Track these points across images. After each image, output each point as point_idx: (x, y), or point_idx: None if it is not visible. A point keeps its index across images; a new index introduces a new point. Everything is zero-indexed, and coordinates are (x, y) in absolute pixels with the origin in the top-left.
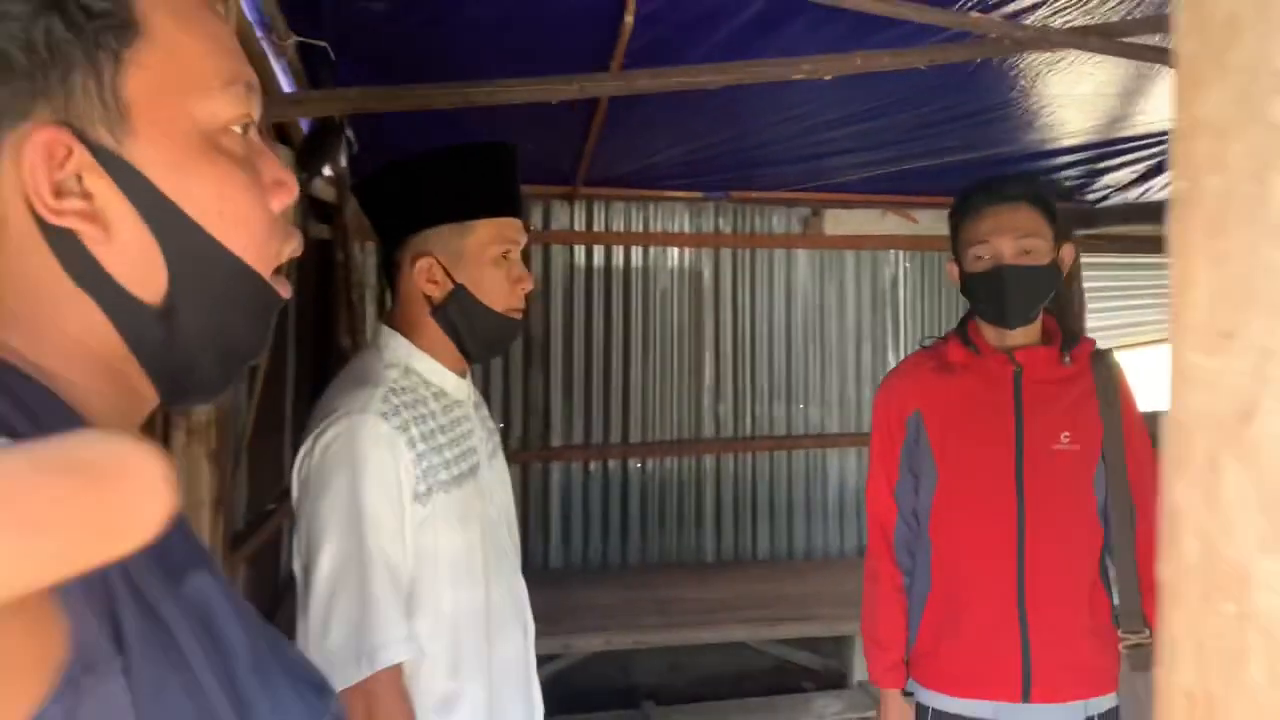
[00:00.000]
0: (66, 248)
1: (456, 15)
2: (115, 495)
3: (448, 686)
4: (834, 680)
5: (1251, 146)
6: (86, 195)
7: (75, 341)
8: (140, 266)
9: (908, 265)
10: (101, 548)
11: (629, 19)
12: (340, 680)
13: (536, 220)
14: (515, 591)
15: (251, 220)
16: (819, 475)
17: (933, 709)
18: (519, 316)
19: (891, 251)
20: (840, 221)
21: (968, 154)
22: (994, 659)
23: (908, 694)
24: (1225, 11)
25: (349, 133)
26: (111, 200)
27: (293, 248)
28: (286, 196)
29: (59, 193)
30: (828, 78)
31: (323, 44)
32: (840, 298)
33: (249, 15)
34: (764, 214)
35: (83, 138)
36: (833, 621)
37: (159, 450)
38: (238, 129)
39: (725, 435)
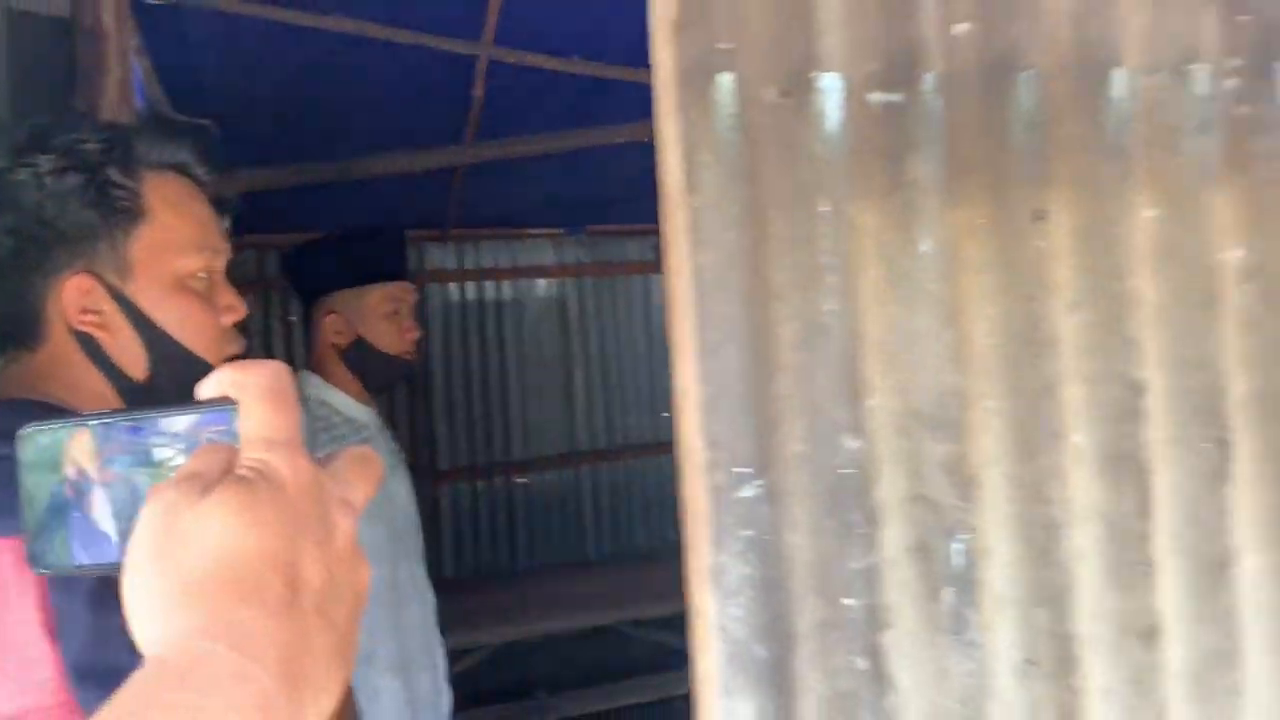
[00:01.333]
0: (86, 343)
1: (331, 94)
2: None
3: (362, 643)
4: None
5: (683, 285)
6: (99, 312)
7: (92, 395)
8: (131, 356)
9: None
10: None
11: (478, 92)
12: None
13: (414, 261)
14: (417, 573)
15: (205, 330)
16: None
17: None
18: (410, 358)
19: None
20: None
21: None
22: None
23: None
24: (682, 218)
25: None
26: (115, 317)
27: (236, 348)
28: (234, 316)
29: (83, 311)
30: (646, 139)
31: (206, 123)
32: None
33: (138, 98)
34: (620, 245)
35: (100, 279)
36: None
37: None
38: (202, 275)
39: (598, 446)
